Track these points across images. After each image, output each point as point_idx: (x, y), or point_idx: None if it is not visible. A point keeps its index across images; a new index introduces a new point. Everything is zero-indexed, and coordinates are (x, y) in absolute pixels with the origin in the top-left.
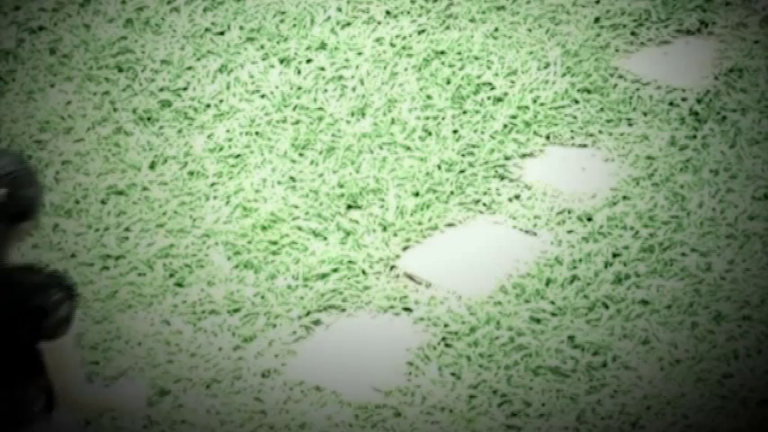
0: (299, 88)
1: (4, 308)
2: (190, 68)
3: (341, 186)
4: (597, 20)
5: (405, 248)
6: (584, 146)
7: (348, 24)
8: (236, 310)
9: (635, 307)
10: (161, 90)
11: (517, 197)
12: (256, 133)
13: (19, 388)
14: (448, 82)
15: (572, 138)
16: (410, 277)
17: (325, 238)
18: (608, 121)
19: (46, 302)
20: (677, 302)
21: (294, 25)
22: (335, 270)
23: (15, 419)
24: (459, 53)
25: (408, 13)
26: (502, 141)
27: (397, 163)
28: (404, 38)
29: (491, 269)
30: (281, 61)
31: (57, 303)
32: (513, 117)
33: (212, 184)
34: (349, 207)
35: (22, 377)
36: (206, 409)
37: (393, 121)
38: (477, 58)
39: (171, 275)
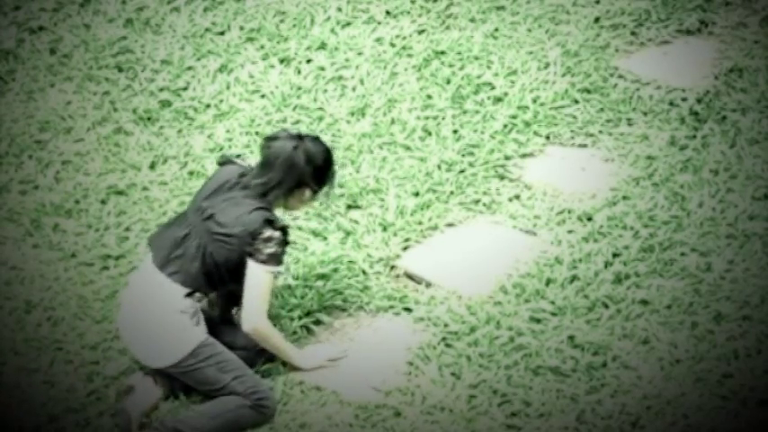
0: (299, 88)
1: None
2: (190, 68)
3: (341, 186)
4: (597, 20)
5: (405, 248)
6: (584, 146)
7: (348, 24)
8: None
9: (635, 307)
10: (161, 90)
11: (517, 197)
12: (256, 133)
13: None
14: (448, 82)
15: (572, 138)
16: (410, 277)
17: (325, 238)
18: (608, 121)
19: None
20: (677, 302)
21: (294, 25)
22: (335, 270)
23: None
24: (460, 53)
25: (408, 13)
26: (502, 141)
27: (397, 163)
28: (404, 38)
29: (491, 269)
30: (281, 61)
31: (279, 240)
32: (513, 117)
33: None
34: (349, 207)
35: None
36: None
37: (393, 121)
38: (477, 58)
39: None
